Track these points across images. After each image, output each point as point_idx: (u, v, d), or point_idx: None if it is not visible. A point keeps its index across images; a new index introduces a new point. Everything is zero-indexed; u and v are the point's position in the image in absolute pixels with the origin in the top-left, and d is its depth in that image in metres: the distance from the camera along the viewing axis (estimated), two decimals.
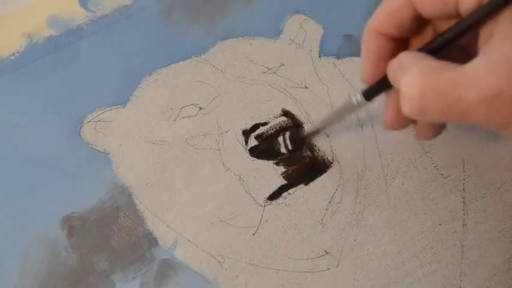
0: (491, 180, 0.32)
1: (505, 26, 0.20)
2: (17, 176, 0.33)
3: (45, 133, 0.34)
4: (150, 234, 0.31)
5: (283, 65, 0.35)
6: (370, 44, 0.24)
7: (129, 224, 0.32)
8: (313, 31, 0.36)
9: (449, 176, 0.32)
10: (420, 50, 0.23)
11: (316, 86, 0.35)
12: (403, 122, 0.25)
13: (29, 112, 0.34)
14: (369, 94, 0.26)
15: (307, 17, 0.36)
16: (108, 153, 0.33)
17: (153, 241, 0.31)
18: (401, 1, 0.23)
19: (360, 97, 0.26)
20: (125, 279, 0.30)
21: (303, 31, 0.36)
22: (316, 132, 0.33)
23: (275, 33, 0.36)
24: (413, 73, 0.21)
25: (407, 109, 0.21)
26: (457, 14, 0.21)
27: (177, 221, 0.32)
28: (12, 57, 0.36)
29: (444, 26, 0.23)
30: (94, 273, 0.31)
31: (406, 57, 0.22)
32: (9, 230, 0.32)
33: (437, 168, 0.32)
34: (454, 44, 0.22)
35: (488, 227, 0.31)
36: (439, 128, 0.26)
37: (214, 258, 0.31)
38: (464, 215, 0.31)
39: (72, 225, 0.31)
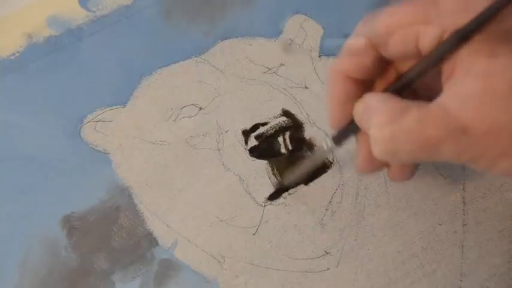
0: (491, 180, 0.32)
1: (466, 61, 0.20)
2: (17, 176, 0.33)
3: (45, 133, 0.34)
4: (150, 234, 0.31)
5: (283, 65, 0.35)
6: (334, 87, 0.24)
7: (129, 224, 0.32)
8: (313, 31, 0.36)
9: (449, 176, 0.32)
10: (384, 91, 0.23)
11: (316, 86, 0.35)
12: (376, 164, 0.25)
13: (29, 112, 0.34)
14: (339, 139, 0.25)
15: (307, 17, 0.36)
16: (108, 153, 0.33)
17: (153, 241, 0.31)
18: (362, 43, 0.23)
19: (330, 142, 0.26)
20: (125, 279, 0.30)
21: (303, 31, 0.36)
22: (296, 181, 0.32)
23: (275, 33, 0.36)
24: (381, 115, 0.21)
25: (378, 152, 0.21)
26: (418, 53, 0.22)
27: (177, 221, 0.32)
28: (12, 57, 0.36)
29: (406, 66, 0.23)
30: (94, 273, 0.31)
31: (371, 99, 0.22)
32: (9, 230, 0.32)
33: (437, 168, 0.32)
34: (418, 82, 0.22)
35: (488, 227, 0.31)
36: (412, 169, 0.26)
37: (214, 258, 0.31)
38: (464, 215, 0.31)
39: (72, 225, 0.31)
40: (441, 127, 0.20)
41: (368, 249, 0.31)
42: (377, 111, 0.21)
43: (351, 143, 0.26)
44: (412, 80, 0.22)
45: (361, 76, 0.24)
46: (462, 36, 0.19)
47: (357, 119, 0.23)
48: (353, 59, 0.23)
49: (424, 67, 0.21)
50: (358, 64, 0.23)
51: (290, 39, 0.35)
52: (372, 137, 0.21)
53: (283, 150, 0.33)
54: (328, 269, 0.30)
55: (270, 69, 0.35)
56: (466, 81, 0.20)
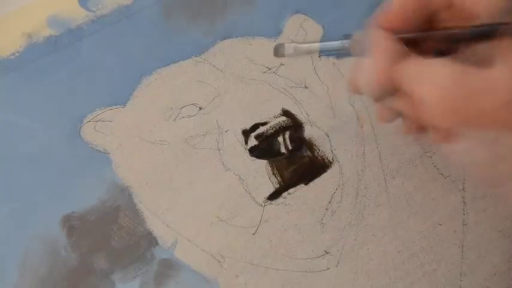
0: None
1: None
2: (17, 176, 0.33)
3: (45, 133, 0.34)
4: (150, 234, 0.31)
5: (283, 65, 0.35)
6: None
7: (129, 223, 0.32)
8: (313, 31, 0.36)
9: (449, 176, 0.32)
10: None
11: (316, 86, 0.35)
12: (393, 115, 0.25)
13: (29, 112, 0.34)
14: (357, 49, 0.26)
15: (307, 17, 0.36)
16: (108, 153, 0.33)
17: (153, 241, 0.31)
18: None
19: (348, 42, 0.26)
20: (125, 279, 0.30)
21: (303, 31, 0.36)
22: (299, 53, 0.32)
23: (275, 33, 0.36)
24: (384, 51, 0.21)
25: (370, 80, 0.22)
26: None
27: (177, 221, 0.32)
28: (12, 57, 0.36)
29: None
30: (94, 273, 0.31)
31: (380, 36, 0.23)
32: (9, 230, 0.32)
33: (437, 168, 0.32)
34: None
35: (488, 227, 0.31)
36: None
37: (214, 258, 0.31)
38: (464, 215, 0.31)
39: (72, 225, 0.31)
40: (499, 94, 0.20)
41: (368, 249, 0.31)
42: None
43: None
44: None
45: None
46: None
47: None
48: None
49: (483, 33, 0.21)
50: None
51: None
52: (369, 64, 0.22)
53: (283, 149, 0.33)
54: (328, 268, 0.30)
55: (270, 69, 0.35)
56: None
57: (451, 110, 0.21)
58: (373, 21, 0.25)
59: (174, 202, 0.32)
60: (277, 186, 0.32)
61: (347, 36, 0.26)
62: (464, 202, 0.32)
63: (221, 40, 0.36)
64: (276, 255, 0.31)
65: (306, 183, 0.32)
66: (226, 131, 0.33)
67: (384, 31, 0.23)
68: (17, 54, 0.36)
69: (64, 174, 0.33)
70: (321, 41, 0.35)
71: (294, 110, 0.34)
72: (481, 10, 0.21)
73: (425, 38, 0.23)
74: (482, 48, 0.22)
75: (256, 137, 0.33)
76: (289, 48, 0.32)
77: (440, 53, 0.23)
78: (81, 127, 0.34)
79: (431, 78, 0.21)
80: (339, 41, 0.27)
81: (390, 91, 0.23)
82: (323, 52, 0.32)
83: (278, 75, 0.35)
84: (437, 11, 0.25)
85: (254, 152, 0.33)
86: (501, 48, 0.21)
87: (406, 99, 0.22)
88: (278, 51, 0.32)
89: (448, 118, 0.22)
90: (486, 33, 0.20)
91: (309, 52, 0.31)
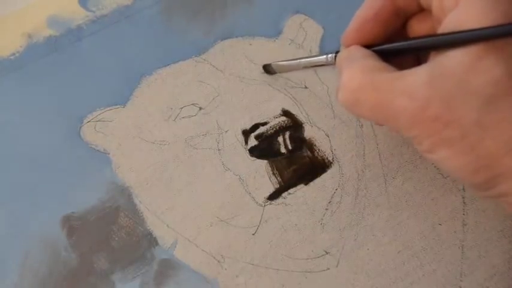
0: None
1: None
2: (17, 176, 0.33)
3: (45, 133, 0.34)
4: (150, 234, 0.31)
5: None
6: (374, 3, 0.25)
7: (129, 224, 0.32)
8: (313, 31, 0.36)
9: (449, 176, 0.32)
10: (371, 46, 0.24)
11: (316, 86, 0.35)
12: None
13: (29, 112, 0.34)
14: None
15: (307, 17, 0.36)
16: (108, 153, 0.33)
17: (153, 241, 0.31)
18: None
19: (332, 56, 0.28)
20: (125, 279, 0.30)
21: (303, 31, 0.36)
22: (286, 70, 0.33)
23: (275, 33, 0.36)
24: (356, 67, 0.22)
25: (342, 98, 0.23)
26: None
27: (177, 221, 0.32)
28: (12, 57, 0.36)
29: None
30: (94, 273, 0.31)
31: (356, 51, 0.24)
32: (9, 230, 0.32)
33: (437, 168, 0.32)
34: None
35: (488, 227, 0.31)
36: None
37: (214, 258, 0.31)
38: (464, 215, 0.31)
39: (72, 225, 0.31)
40: (404, 96, 0.20)
41: (368, 249, 0.31)
42: (355, 63, 0.22)
43: None
44: (404, 51, 0.23)
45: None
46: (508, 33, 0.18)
47: (337, 63, 0.25)
48: None
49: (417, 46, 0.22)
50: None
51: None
52: (341, 83, 0.23)
53: (283, 150, 0.33)
54: (328, 269, 0.30)
55: None
56: (448, 58, 0.20)
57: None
58: (344, 36, 0.26)
59: (174, 202, 0.32)
60: (277, 186, 0.32)
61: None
62: (464, 202, 0.32)
63: (221, 40, 0.36)
64: (276, 255, 0.31)
65: (306, 183, 0.32)
66: (226, 131, 0.33)
67: (355, 47, 0.24)
68: (17, 54, 0.36)
69: (64, 174, 0.33)
70: (319, 45, 0.35)
71: (294, 110, 0.34)
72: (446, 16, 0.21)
73: (401, 48, 0.23)
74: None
75: (256, 137, 0.33)
76: (275, 66, 0.33)
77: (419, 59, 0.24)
78: (81, 127, 0.34)
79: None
80: (324, 56, 0.28)
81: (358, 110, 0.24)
82: (309, 67, 0.32)
83: (278, 75, 0.35)
84: (409, 17, 0.25)
85: (254, 152, 0.33)
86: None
87: (384, 114, 0.22)
88: (268, 71, 0.33)
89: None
90: (454, 40, 0.20)
91: (295, 68, 0.32)
